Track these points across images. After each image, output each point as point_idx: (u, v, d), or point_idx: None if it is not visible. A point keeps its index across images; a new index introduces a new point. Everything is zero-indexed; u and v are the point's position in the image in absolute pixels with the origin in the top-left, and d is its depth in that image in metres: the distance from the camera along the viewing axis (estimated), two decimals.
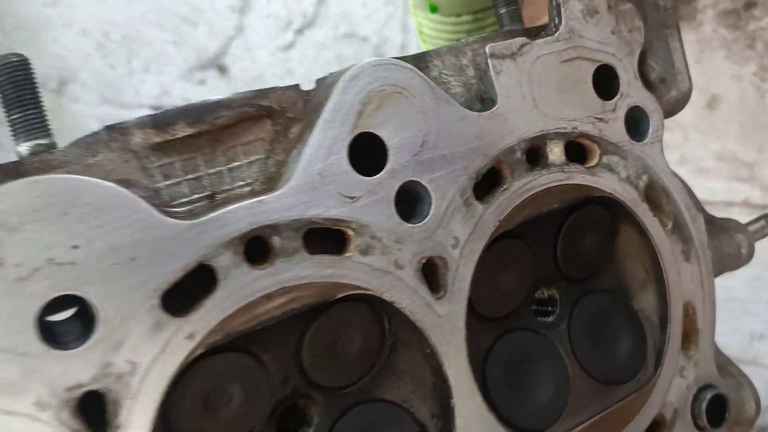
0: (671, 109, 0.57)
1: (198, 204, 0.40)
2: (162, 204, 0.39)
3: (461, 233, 0.46)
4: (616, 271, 0.56)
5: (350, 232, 0.42)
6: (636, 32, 0.53)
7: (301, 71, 1.25)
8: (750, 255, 0.61)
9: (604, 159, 0.52)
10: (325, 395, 0.45)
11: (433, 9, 0.69)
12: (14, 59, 0.40)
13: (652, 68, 0.56)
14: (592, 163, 0.52)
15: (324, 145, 0.41)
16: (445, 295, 0.45)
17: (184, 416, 0.39)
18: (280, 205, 0.40)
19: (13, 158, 0.40)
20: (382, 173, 0.43)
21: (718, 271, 0.60)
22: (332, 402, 0.45)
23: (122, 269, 0.36)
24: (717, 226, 0.61)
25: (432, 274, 0.45)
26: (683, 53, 0.57)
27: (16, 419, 0.34)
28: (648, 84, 0.56)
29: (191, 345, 0.38)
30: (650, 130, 0.54)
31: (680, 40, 0.57)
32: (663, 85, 0.57)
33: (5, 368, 0.34)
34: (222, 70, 1.29)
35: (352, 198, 0.42)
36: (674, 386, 0.55)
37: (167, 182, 0.40)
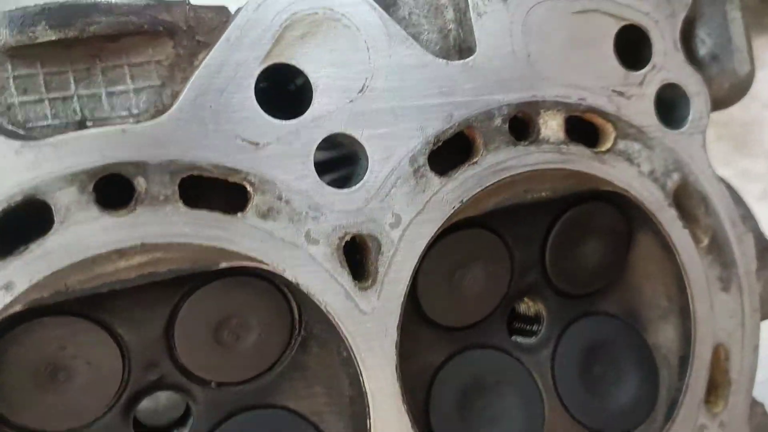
0: (724, 96, 0.45)
1: (60, 129, 0.32)
2: (12, 122, 0.31)
3: (405, 211, 0.35)
4: (629, 292, 0.44)
5: (248, 188, 0.33)
6: None
7: None
8: None
9: (621, 144, 0.40)
10: (206, 391, 0.36)
11: None
12: None
13: (702, 41, 0.44)
14: (604, 148, 0.40)
15: (223, 72, 0.32)
16: (372, 286, 0.35)
17: (7, 387, 0.31)
18: (152, 140, 0.31)
19: None
20: (301, 118, 0.34)
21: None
22: (216, 400, 0.36)
23: None
24: None
25: (358, 256, 0.35)
26: (745, 27, 0.44)
27: None
28: (694, 60, 0.44)
29: (7, 298, 0.29)
30: (690, 117, 0.42)
31: (742, 10, 0.44)
32: (715, 63, 0.44)
33: None
34: None
35: (255, 144, 0.33)
36: None
37: (24, 98, 0.32)
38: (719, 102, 0.45)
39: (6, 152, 0.29)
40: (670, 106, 0.42)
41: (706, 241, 0.43)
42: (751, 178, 1.04)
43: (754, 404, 0.50)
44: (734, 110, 1.07)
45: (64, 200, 0.30)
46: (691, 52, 0.44)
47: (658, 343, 0.44)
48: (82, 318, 0.32)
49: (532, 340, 0.42)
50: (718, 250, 0.43)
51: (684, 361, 0.42)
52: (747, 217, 0.48)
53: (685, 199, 0.42)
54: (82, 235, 0.30)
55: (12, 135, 0.30)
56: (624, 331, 0.43)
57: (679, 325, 0.43)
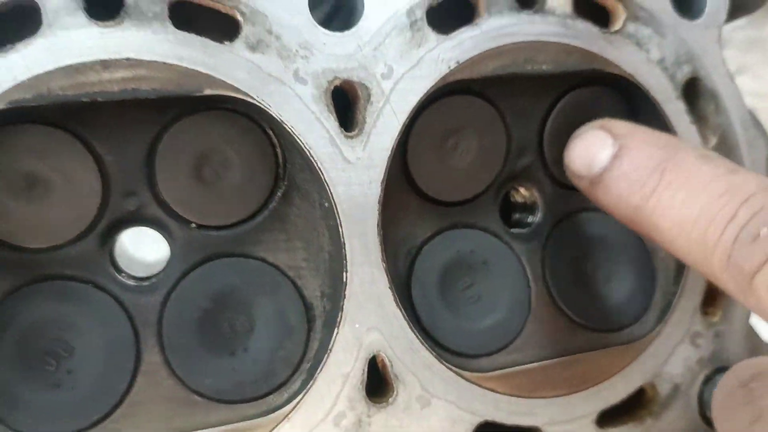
0: None
1: None
2: None
3: (398, 63, 0.35)
4: None
5: (239, 17, 0.32)
6: None
7: None
8: None
9: (630, 27, 0.39)
10: (185, 231, 0.35)
11: None
12: None
13: None
14: (612, 29, 0.39)
15: None
16: (359, 135, 0.34)
17: None
18: None
19: None
20: None
21: None
22: (193, 243, 0.35)
23: None
24: None
25: (347, 103, 0.34)
26: None
27: None
28: None
29: None
30: (707, 9, 0.41)
31: None
32: None
33: None
34: None
35: None
36: (679, 355, 0.40)
37: None
38: (740, 4, 0.43)
39: None
40: None
41: (714, 141, 0.41)
42: None
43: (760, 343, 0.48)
44: None
45: (53, 4, 0.30)
46: None
47: (657, 246, 0.42)
48: (63, 130, 0.32)
49: (525, 231, 0.41)
50: (726, 151, 0.41)
51: (682, 265, 0.41)
52: (757, 121, 0.46)
53: (695, 94, 0.41)
54: (67, 40, 0.30)
55: None
56: (621, 230, 0.41)
57: None
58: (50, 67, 0.30)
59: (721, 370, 0.41)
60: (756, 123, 0.46)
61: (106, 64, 0.31)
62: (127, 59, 0.31)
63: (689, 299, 0.41)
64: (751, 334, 0.43)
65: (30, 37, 0.30)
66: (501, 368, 0.37)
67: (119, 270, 0.35)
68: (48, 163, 0.32)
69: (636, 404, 0.40)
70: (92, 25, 0.30)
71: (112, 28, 0.31)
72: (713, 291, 0.41)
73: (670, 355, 0.40)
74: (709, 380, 0.41)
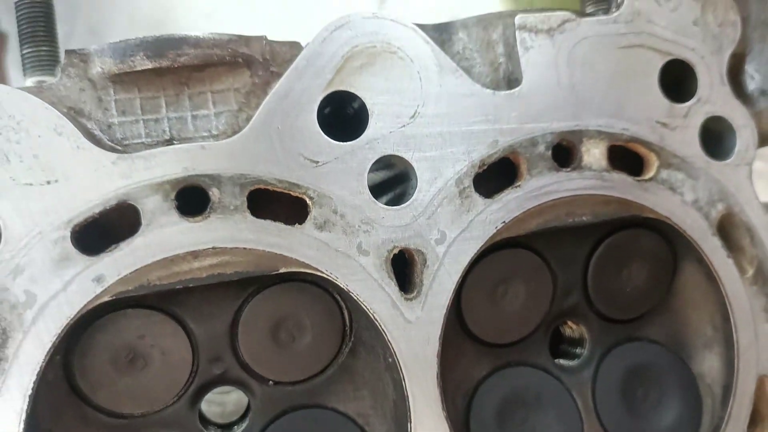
0: None
1: (152, 147, 0.37)
2: (113, 140, 0.36)
3: (450, 228, 0.38)
4: (674, 319, 0.45)
5: (308, 201, 0.37)
6: (729, 27, 0.43)
7: None
8: None
9: (664, 174, 0.42)
10: (264, 388, 0.39)
11: None
12: None
13: (751, 77, 0.46)
14: (646, 177, 0.42)
15: (290, 97, 0.36)
16: (417, 297, 0.38)
17: (87, 373, 0.36)
18: (226, 155, 0.36)
19: None
20: (357, 140, 0.37)
21: None
22: (272, 398, 0.39)
23: (35, 190, 0.33)
24: None
25: (405, 269, 0.38)
26: None
27: None
28: (742, 94, 0.45)
29: (98, 289, 0.34)
30: (736, 149, 0.43)
31: None
32: (763, 98, 0.46)
33: None
34: None
35: (315, 162, 0.37)
36: None
37: (123, 119, 0.37)
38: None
39: (105, 163, 0.34)
40: (716, 137, 0.43)
41: (751, 272, 0.43)
42: None
43: None
44: None
45: (150, 206, 0.35)
46: (739, 87, 0.46)
47: (703, 371, 0.44)
48: (160, 311, 0.36)
49: (574, 363, 0.44)
50: (763, 280, 0.43)
51: (727, 390, 0.43)
52: None
53: (730, 229, 0.43)
54: (163, 237, 0.35)
55: (110, 149, 0.35)
56: (667, 358, 0.44)
57: (723, 354, 0.43)
58: (149, 261, 0.34)
59: None
60: None
61: (195, 254, 0.35)
62: (213, 248, 0.35)
63: (736, 423, 0.43)
64: None
65: (131, 237, 0.34)
66: None
67: (206, 423, 0.39)
68: (146, 340, 0.36)
69: None
70: (183, 221, 0.35)
71: (200, 223, 0.35)
72: (758, 413, 0.43)
73: None
74: None
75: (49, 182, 0.34)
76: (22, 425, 0.33)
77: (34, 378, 0.33)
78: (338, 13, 0.38)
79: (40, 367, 0.33)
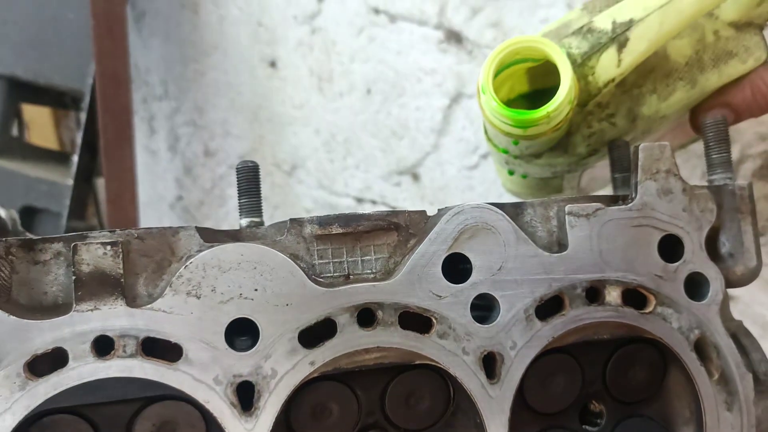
0: (737, 280, 0.68)
1: (337, 279, 0.61)
2: (314, 274, 0.60)
3: (519, 339, 0.61)
4: (664, 405, 0.67)
5: (433, 320, 0.60)
6: (707, 213, 0.66)
7: (480, 189, 1.45)
8: None
9: (659, 309, 0.64)
10: None
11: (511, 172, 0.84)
12: (250, 164, 0.65)
13: (723, 243, 0.68)
14: (647, 310, 0.64)
15: (426, 256, 0.60)
16: (497, 382, 0.60)
17: (299, 417, 0.59)
18: (387, 291, 0.59)
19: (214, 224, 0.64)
20: (465, 283, 0.60)
21: (766, 430, 0.68)
22: None
23: (280, 310, 0.57)
24: None
25: (490, 364, 0.61)
26: (755, 235, 0.68)
27: (202, 386, 0.56)
28: (718, 256, 0.68)
29: (311, 369, 0.57)
30: (709, 294, 0.65)
31: (754, 224, 0.68)
32: (731, 258, 0.68)
33: (203, 353, 0.56)
34: (416, 177, 1.54)
35: (440, 297, 0.60)
36: None
37: (320, 261, 0.61)
38: (735, 283, 0.68)
39: (317, 294, 0.58)
40: (696, 285, 0.66)
41: (716, 376, 0.65)
42: None
43: None
44: None
45: (342, 321, 0.58)
46: (715, 250, 0.68)
47: None
48: (341, 383, 0.59)
49: (595, 429, 0.66)
50: (725, 382, 0.65)
51: None
52: (761, 361, 0.70)
53: (703, 347, 0.65)
54: (349, 339, 0.58)
55: (317, 283, 0.59)
56: (658, 430, 0.66)
57: (696, 430, 0.65)
58: (341, 353, 0.58)
59: None
60: (747, 333, 0.70)
61: (367, 350, 0.58)
62: (378, 347, 0.58)
63: None
64: None
65: (331, 339, 0.58)
66: None
67: None
68: (331, 400, 0.59)
69: None
70: (361, 330, 0.58)
71: (370, 331, 0.58)
72: None
73: None
74: None
75: (287, 305, 0.57)
76: None
77: (272, 420, 0.56)
78: None
79: (276, 414, 0.57)
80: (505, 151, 0.80)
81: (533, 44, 0.69)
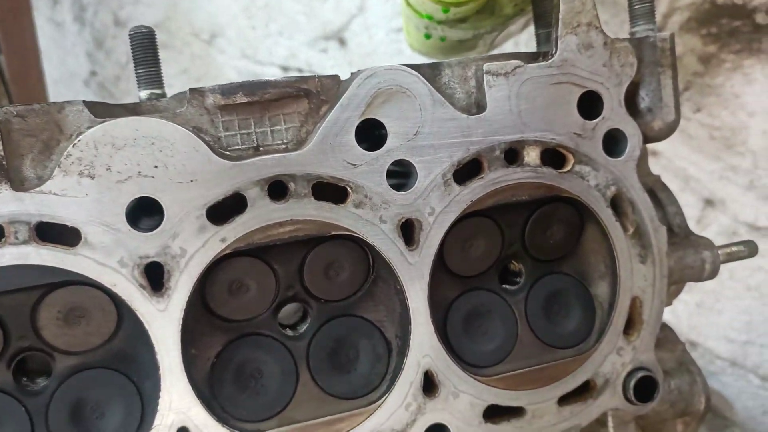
0: (656, 135, 0.68)
1: (246, 151, 0.57)
2: (220, 147, 0.57)
3: (437, 205, 0.60)
4: (581, 261, 0.68)
5: (348, 189, 0.58)
6: (627, 67, 0.64)
7: (409, 53, 1.40)
8: (714, 272, 0.71)
9: (577, 167, 0.64)
10: (318, 304, 0.62)
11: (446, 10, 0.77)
12: (144, 29, 0.59)
13: (642, 99, 0.67)
14: (565, 169, 0.64)
15: (338, 123, 0.57)
16: (416, 249, 0.60)
17: (214, 295, 0.58)
18: (299, 162, 0.56)
19: (135, 100, 0.59)
20: (379, 150, 0.58)
21: (679, 279, 0.70)
22: (323, 310, 0.62)
23: (184, 186, 0.54)
24: (689, 241, 0.71)
25: (408, 231, 0.60)
26: (674, 89, 0.67)
27: (106, 270, 0.53)
28: (636, 111, 0.67)
29: (222, 246, 0.55)
30: (627, 150, 0.65)
31: (673, 78, 0.67)
32: (650, 113, 0.67)
33: (104, 236, 0.53)
34: (342, 42, 1.47)
35: (354, 165, 0.58)
36: (609, 361, 0.67)
37: (227, 133, 0.57)
38: (654, 138, 0.68)
39: (224, 168, 0.55)
40: (614, 142, 0.65)
41: (631, 230, 0.66)
42: (738, 172, 1.25)
43: (677, 342, 0.74)
44: (726, 117, 1.30)
45: (252, 195, 0.55)
46: (635, 105, 0.67)
47: (597, 293, 0.68)
48: (258, 258, 0.58)
49: (515, 288, 0.67)
50: (639, 236, 0.66)
51: (611, 306, 0.66)
52: (676, 213, 0.71)
53: (619, 203, 0.66)
54: (261, 214, 0.56)
55: (224, 157, 0.56)
56: (575, 284, 0.67)
57: (611, 283, 0.67)
58: (253, 228, 0.56)
59: (637, 369, 0.67)
60: (664, 187, 0.72)
61: (281, 224, 0.56)
62: (291, 220, 0.57)
63: (616, 326, 0.67)
64: (682, 353, 0.69)
65: (241, 214, 0.55)
66: (500, 374, 0.64)
67: (283, 327, 0.61)
68: (248, 275, 0.58)
69: (583, 391, 0.67)
70: (273, 203, 0.56)
71: (283, 204, 0.56)
72: (632, 321, 0.67)
73: (603, 361, 0.66)
74: (629, 375, 0.67)
75: (191, 181, 0.54)
76: (179, 327, 0.55)
77: (185, 299, 0.55)
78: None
79: (189, 293, 0.55)
80: (429, 17, 0.75)
81: None
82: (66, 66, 1.81)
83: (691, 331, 1.35)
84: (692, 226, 1.18)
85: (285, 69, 1.55)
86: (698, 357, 1.33)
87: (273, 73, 1.54)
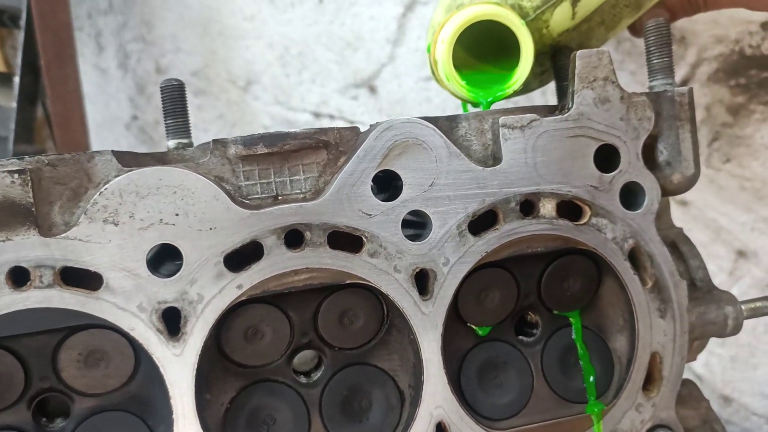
0: (675, 188, 0.67)
1: (265, 200, 0.59)
2: (240, 196, 0.58)
3: (452, 256, 0.61)
4: (599, 313, 0.67)
5: (364, 239, 0.59)
6: (645, 121, 0.64)
7: (437, 101, 1.42)
8: (737, 328, 0.69)
9: (593, 220, 0.64)
10: (332, 351, 0.62)
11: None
12: (174, 82, 0.62)
13: (661, 152, 0.67)
14: (582, 222, 0.64)
15: (354, 174, 0.58)
16: (430, 299, 0.60)
17: (230, 341, 0.59)
18: (315, 211, 0.58)
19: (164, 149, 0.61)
20: (395, 201, 0.59)
21: (701, 335, 0.69)
22: (337, 357, 0.62)
23: (203, 234, 0.56)
24: (711, 296, 0.70)
25: (423, 281, 0.61)
26: (693, 143, 0.67)
27: (126, 314, 0.55)
28: (655, 164, 0.67)
29: (239, 293, 0.56)
30: (645, 203, 0.65)
31: (692, 132, 0.66)
32: (669, 167, 0.67)
33: (125, 281, 0.55)
34: (372, 90, 1.50)
35: (370, 215, 0.59)
36: (628, 417, 0.65)
37: (247, 182, 0.59)
38: (672, 192, 0.68)
39: (243, 217, 0.56)
40: (632, 195, 0.65)
41: (650, 284, 0.65)
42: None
43: (701, 399, 0.73)
44: (756, 168, 1.29)
45: (269, 243, 0.57)
46: (653, 158, 0.67)
47: (615, 347, 0.67)
48: (272, 305, 0.59)
49: (531, 339, 0.67)
50: (658, 290, 0.66)
51: (630, 361, 0.65)
52: (699, 267, 0.71)
53: (637, 256, 0.65)
54: (277, 262, 0.57)
55: (243, 205, 0.57)
56: (593, 338, 0.67)
57: (629, 337, 0.66)
58: (269, 275, 0.57)
59: (657, 427, 0.66)
60: (686, 240, 0.71)
61: (296, 272, 0.57)
62: (306, 268, 0.58)
63: (635, 382, 0.65)
64: (707, 411, 0.67)
65: (258, 261, 0.57)
66: (514, 427, 0.63)
67: (297, 374, 0.62)
68: (264, 321, 0.59)
69: None
70: (289, 251, 0.57)
71: (299, 252, 0.57)
72: (651, 377, 0.66)
73: (622, 418, 0.65)
74: None
75: (211, 229, 0.56)
76: (194, 372, 0.56)
77: (201, 344, 0.56)
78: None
79: (204, 339, 0.56)
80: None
81: (491, 17, 0.67)
82: (109, 110, 1.88)
83: (726, 386, 1.31)
84: (724, 278, 1.16)
85: (317, 115, 1.58)
86: (733, 413, 1.29)
87: (305, 119, 1.57)
